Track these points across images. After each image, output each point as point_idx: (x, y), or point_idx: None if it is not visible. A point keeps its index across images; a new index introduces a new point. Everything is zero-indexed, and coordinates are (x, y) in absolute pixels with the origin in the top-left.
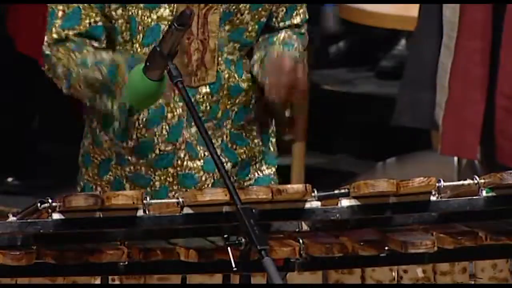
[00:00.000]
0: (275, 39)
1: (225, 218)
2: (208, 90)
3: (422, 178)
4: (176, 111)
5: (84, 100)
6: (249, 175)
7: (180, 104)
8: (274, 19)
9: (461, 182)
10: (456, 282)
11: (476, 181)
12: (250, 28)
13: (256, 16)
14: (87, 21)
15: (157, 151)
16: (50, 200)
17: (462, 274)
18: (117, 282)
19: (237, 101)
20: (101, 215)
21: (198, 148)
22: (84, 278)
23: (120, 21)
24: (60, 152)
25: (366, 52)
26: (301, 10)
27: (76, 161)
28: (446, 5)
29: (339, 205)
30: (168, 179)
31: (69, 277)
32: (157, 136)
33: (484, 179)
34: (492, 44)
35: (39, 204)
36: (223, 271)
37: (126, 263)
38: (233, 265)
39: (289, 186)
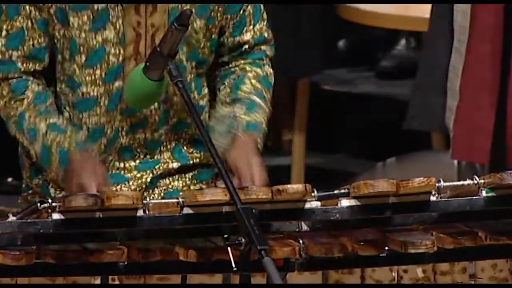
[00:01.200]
0: (239, 94)
1: (225, 218)
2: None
3: (422, 178)
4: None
5: None
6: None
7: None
8: (224, 35)
9: (461, 182)
10: (456, 282)
11: (476, 181)
12: (202, 45)
13: (207, 33)
14: (31, 42)
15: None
16: (50, 200)
17: (462, 274)
18: (117, 282)
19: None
20: (101, 215)
21: (135, 152)
22: (84, 278)
23: (61, 40)
24: None
25: (366, 52)
26: (251, 27)
27: None
28: (456, 9)
29: (339, 205)
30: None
31: (69, 277)
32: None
33: (484, 179)
34: (503, 48)
35: (39, 204)
36: (223, 271)
37: (126, 263)
38: (233, 265)
39: (289, 186)
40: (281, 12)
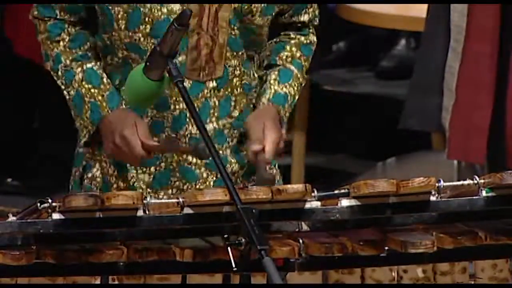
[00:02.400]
0: (277, 59)
1: (225, 218)
2: (215, 84)
3: (422, 178)
4: (179, 105)
5: None
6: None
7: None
8: (281, 17)
9: (461, 182)
10: (456, 282)
11: (476, 181)
12: (263, 32)
13: (268, 22)
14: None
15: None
16: (50, 200)
17: (462, 274)
18: (116, 282)
19: (253, 100)
20: (101, 215)
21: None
22: (84, 278)
23: (117, 8)
24: (60, 152)
25: (366, 52)
26: (310, 9)
27: None
28: (453, 9)
29: (339, 205)
30: (172, 163)
31: (69, 277)
32: (165, 120)
33: (484, 179)
34: (500, 48)
35: (39, 204)
36: (223, 271)
37: (126, 263)
38: (233, 265)
39: (289, 186)
40: None
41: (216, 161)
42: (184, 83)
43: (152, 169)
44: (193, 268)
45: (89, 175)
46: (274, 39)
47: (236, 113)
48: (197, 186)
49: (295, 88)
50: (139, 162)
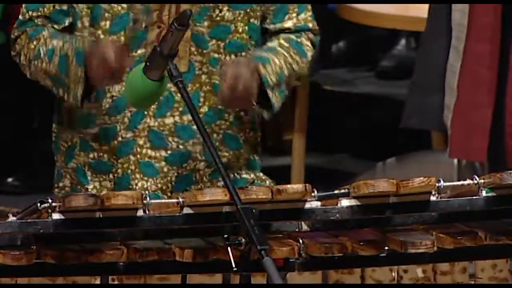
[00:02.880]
0: (263, 47)
1: (225, 218)
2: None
3: (422, 178)
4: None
5: (48, 88)
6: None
7: None
8: (267, 21)
9: (461, 182)
10: (456, 282)
11: (476, 181)
12: (240, 29)
13: (245, 17)
14: (51, 4)
15: (119, 138)
16: (50, 200)
17: (462, 274)
18: (116, 282)
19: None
20: (101, 215)
21: (170, 140)
22: (84, 278)
23: (81, 6)
24: None
25: (366, 52)
26: (293, 15)
27: None
28: (455, 8)
29: (339, 205)
30: (130, 166)
31: (69, 277)
32: (119, 123)
33: (484, 179)
34: (501, 47)
35: (39, 204)
36: (223, 271)
37: (126, 263)
38: (233, 265)
39: (289, 186)
40: None
41: (216, 161)
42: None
43: (111, 176)
44: (193, 268)
45: (60, 184)
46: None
47: (205, 109)
48: (158, 180)
49: (279, 61)
50: (109, 72)
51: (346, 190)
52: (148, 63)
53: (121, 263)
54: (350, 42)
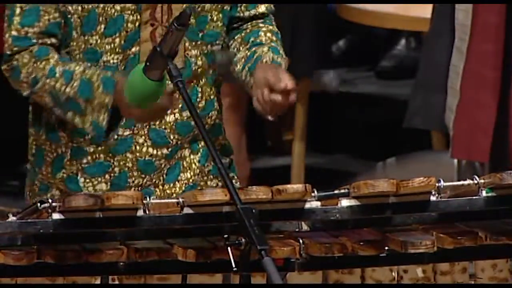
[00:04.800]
0: (259, 39)
1: (225, 218)
2: None
3: (422, 178)
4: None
5: (45, 107)
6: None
7: None
8: (238, 8)
9: (461, 182)
10: (456, 282)
11: (476, 181)
12: (215, 18)
13: (219, 6)
14: (46, 17)
15: (115, 136)
16: (50, 200)
17: (462, 274)
18: (117, 282)
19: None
20: (101, 215)
21: (171, 137)
22: (84, 278)
23: (75, 15)
24: None
25: (366, 52)
26: None
27: None
28: (458, 8)
29: (339, 205)
30: (127, 164)
31: (69, 277)
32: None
33: (484, 179)
34: (505, 47)
35: (39, 204)
36: (223, 271)
37: (126, 263)
38: (233, 265)
39: (289, 186)
40: (280, 12)
41: (216, 161)
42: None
43: (107, 176)
44: (193, 268)
45: (48, 195)
46: (242, 30)
47: (202, 104)
48: (155, 176)
49: (284, 64)
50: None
51: (346, 190)
52: (148, 63)
53: (121, 263)
54: (350, 42)
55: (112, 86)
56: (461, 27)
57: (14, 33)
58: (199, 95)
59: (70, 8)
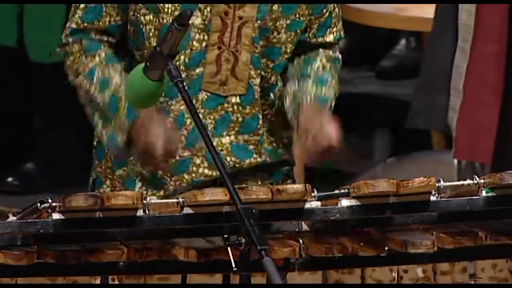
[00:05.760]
0: (309, 70)
1: (225, 218)
2: (238, 100)
3: (422, 178)
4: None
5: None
6: None
7: (201, 111)
8: (307, 34)
9: (461, 182)
10: (456, 282)
11: (476, 181)
12: (288, 50)
13: (294, 38)
14: (107, 18)
15: (177, 157)
16: (50, 200)
17: (462, 274)
18: (117, 282)
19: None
20: (101, 215)
21: (228, 159)
22: (84, 278)
23: (148, 26)
24: (60, 152)
25: (366, 52)
26: (334, 29)
27: (76, 162)
28: (462, 8)
29: (339, 205)
30: (182, 184)
31: (69, 277)
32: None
33: (484, 179)
34: (508, 48)
35: (39, 204)
36: (223, 271)
37: (126, 263)
38: (233, 265)
39: (289, 186)
40: None
41: (216, 160)
42: (201, 95)
43: (162, 192)
44: (193, 268)
45: (101, 190)
46: (302, 56)
47: (262, 130)
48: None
49: (331, 95)
50: (156, 161)
51: (346, 190)
52: (148, 63)
53: (121, 263)
54: (350, 42)
55: (133, 116)
56: (464, 28)
57: (73, 25)
58: (261, 122)
59: (142, 18)
